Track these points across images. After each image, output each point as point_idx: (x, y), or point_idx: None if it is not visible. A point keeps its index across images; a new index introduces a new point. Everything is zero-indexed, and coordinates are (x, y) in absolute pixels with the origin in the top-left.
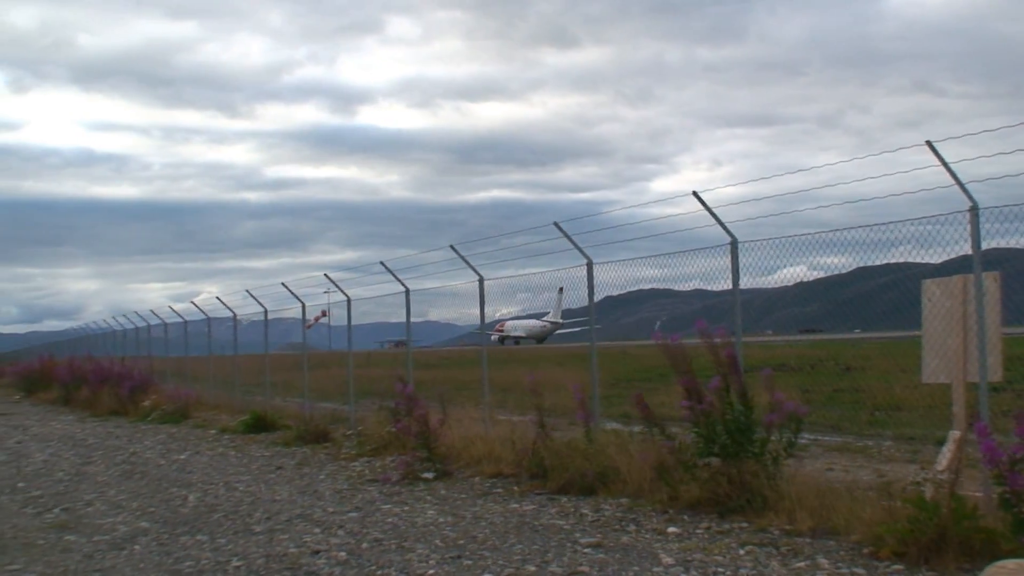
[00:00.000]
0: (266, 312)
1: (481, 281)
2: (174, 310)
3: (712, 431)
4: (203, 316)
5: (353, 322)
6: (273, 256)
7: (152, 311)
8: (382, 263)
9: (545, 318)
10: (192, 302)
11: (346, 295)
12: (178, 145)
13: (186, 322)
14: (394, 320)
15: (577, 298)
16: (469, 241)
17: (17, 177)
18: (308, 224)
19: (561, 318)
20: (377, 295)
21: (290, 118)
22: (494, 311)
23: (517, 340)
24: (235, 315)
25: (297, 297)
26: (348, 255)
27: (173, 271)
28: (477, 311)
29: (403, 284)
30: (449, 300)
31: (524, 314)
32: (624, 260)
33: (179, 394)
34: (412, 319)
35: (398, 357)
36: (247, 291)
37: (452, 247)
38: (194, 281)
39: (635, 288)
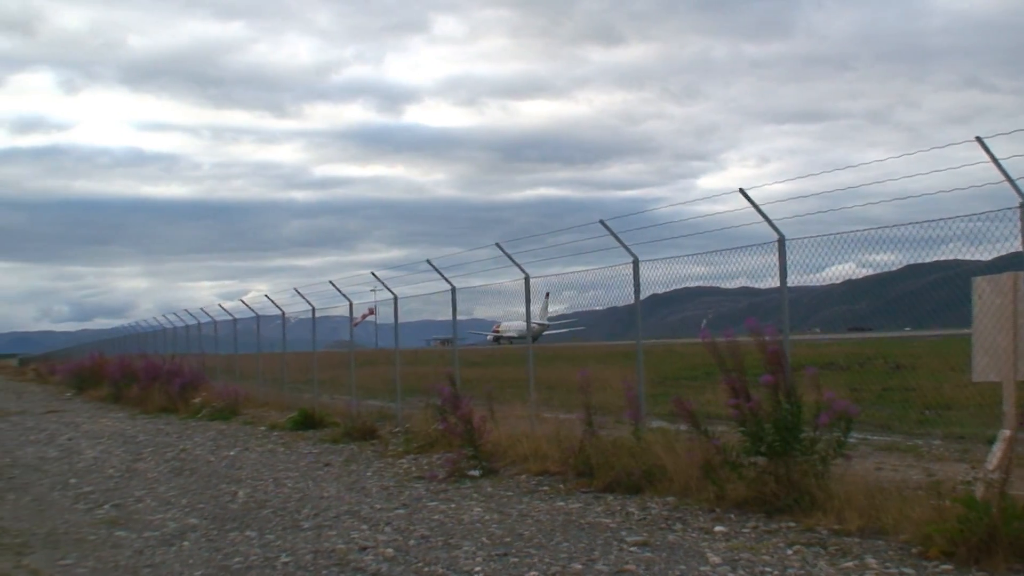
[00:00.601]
0: (314, 310)
1: (527, 279)
2: (223, 308)
3: (760, 429)
4: (252, 314)
5: (400, 320)
6: (321, 254)
7: (202, 309)
8: (428, 261)
9: (535, 320)
10: (241, 300)
11: (393, 293)
12: (227, 145)
13: (235, 320)
14: (441, 318)
15: (622, 296)
16: (515, 239)
17: (68, 177)
18: (355, 223)
19: (548, 320)
20: (423, 293)
21: (337, 117)
22: (540, 309)
23: (511, 340)
24: (283, 313)
25: (344, 295)
26: (395, 253)
27: (222, 269)
28: (523, 309)
29: (449, 282)
30: (495, 298)
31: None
32: (670, 258)
33: (228, 391)
34: (458, 317)
35: (445, 355)
36: (295, 289)
37: (498, 245)
38: (243, 279)
39: (681, 286)
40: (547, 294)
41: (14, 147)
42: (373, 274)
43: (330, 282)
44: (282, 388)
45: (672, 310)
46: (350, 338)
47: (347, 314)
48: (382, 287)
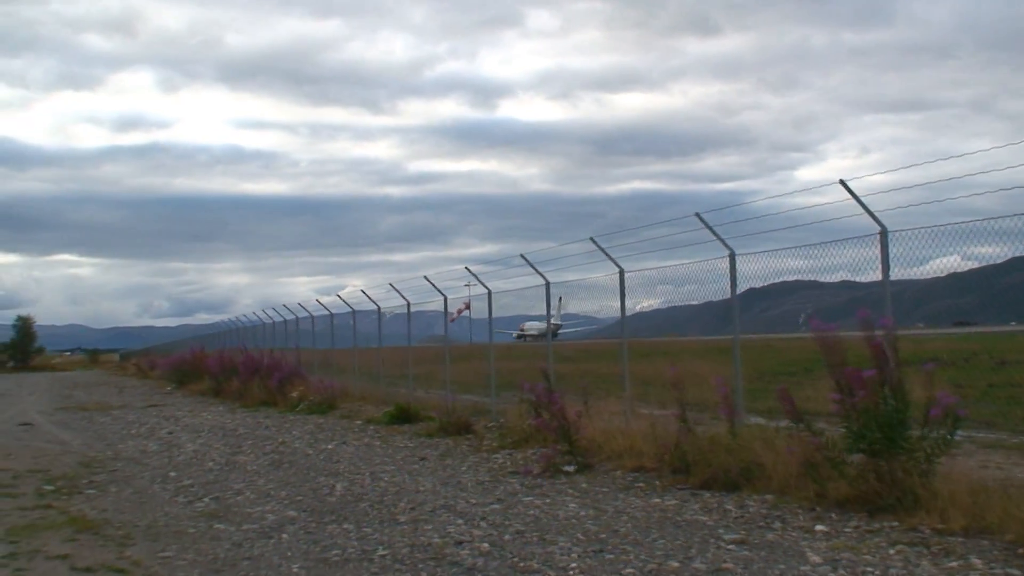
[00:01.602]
0: (408, 305)
1: (621, 273)
2: (320, 303)
3: (863, 426)
4: (348, 309)
5: (494, 314)
6: (415, 250)
7: (300, 304)
8: (522, 256)
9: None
10: (338, 295)
11: (487, 288)
12: (324, 142)
13: (332, 315)
14: (535, 313)
15: (718, 290)
16: (609, 233)
17: (169, 174)
18: (449, 218)
19: (561, 321)
20: (517, 288)
21: (431, 113)
22: (635, 304)
23: (532, 338)
24: (379, 308)
25: (439, 290)
26: (488, 248)
27: (319, 265)
28: (617, 303)
29: (543, 277)
30: (589, 292)
31: (654, 308)
32: (767, 251)
33: (325, 385)
34: (552, 312)
35: (538, 350)
36: (390, 284)
37: (592, 239)
38: (339, 275)
39: (778, 280)
40: (560, 298)
41: (115, 145)
42: (467, 269)
43: (424, 277)
44: (378, 383)
45: (770, 304)
46: (444, 333)
47: (441, 309)
48: (476, 282)
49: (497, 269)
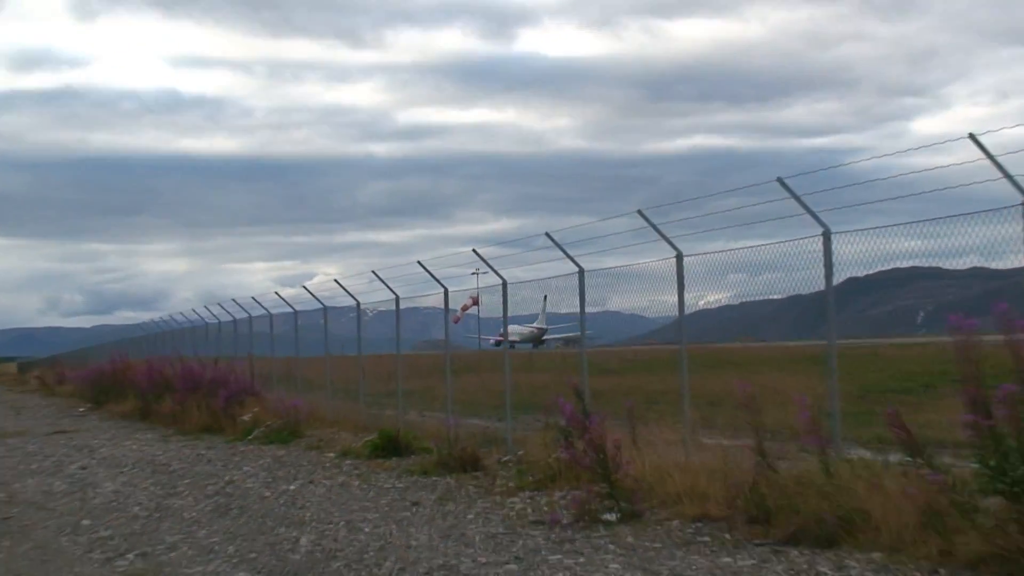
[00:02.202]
0: (398, 300)
1: (679, 258)
2: (281, 297)
3: (1003, 459)
4: (318, 305)
5: (511, 312)
6: (407, 227)
7: (254, 299)
8: (548, 235)
9: (534, 324)
10: (304, 287)
11: (501, 277)
12: (287, 84)
13: (297, 313)
14: (564, 310)
15: (808, 280)
16: (663, 205)
17: (84, 128)
18: (452, 184)
19: (546, 324)
20: (541, 277)
21: (429, 47)
22: (697, 298)
23: (513, 344)
24: (359, 304)
25: (438, 280)
26: (504, 225)
27: (280, 247)
28: (674, 298)
29: (575, 263)
30: (636, 283)
31: (723, 303)
32: (873, 228)
33: (288, 405)
34: (588, 309)
35: (568, 359)
36: (374, 273)
37: (640, 213)
38: (307, 259)
39: (888, 266)
40: (544, 297)
41: (13, 89)
42: (475, 252)
43: (419, 263)
44: (358, 402)
45: (876, 299)
46: (445, 336)
47: (441, 305)
48: (487, 269)
49: (515, 252)
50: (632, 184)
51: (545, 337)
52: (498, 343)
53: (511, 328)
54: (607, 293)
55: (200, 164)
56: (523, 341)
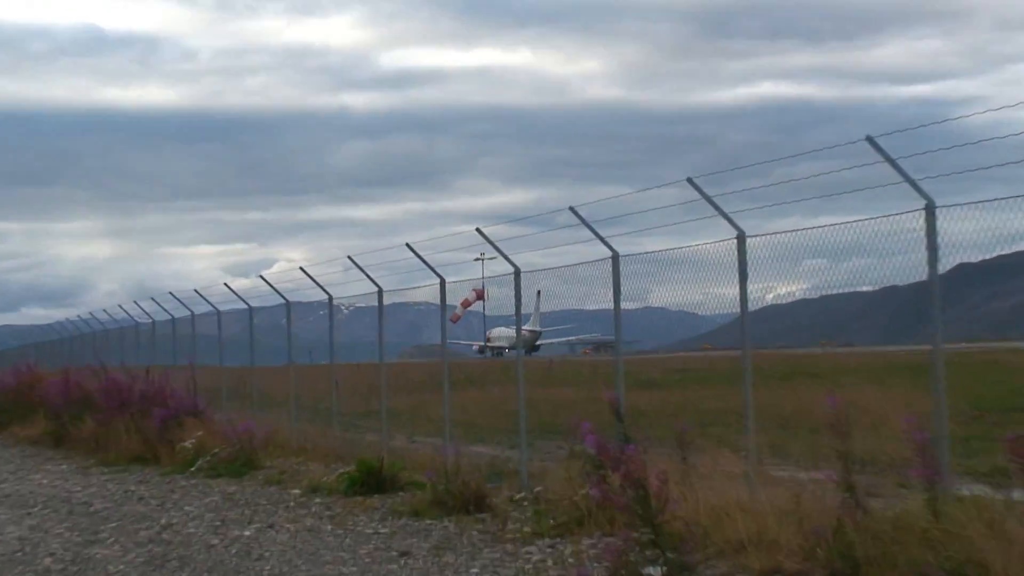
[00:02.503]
0: (381, 294)
1: (741, 239)
2: (232, 290)
3: None
4: (280, 300)
5: (526, 310)
6: (393, 200)
7: (198, 292)
8: (572, 210)
9: (525, 326)
10: (262, 277)
11: (513, 264)
12: (239, 19)
13: (252, 310)
14: (591, 307)
15: (905, 268)
16: (721, 172)
17: None
18: (450, 146)
19: (540, 326)
20: (564, 264)
21: None
22: (764, 291)
23: (500, 351)
24: (331, 298)
25: (432, 269)
26: (516, 197)
27: (231, 227)
28: (734, 290)
29: (608, 246)
30: (687, 272)
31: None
32: (990, 201)
33: (241, 429)
34: (624, 305)
35: (599, 368)
36: (351, 259)
37: (691, 182)
38: (264, 242)
39: (1009, 249)
40: (539, 292)
41: None
42: (480, 232)
43: (408, 246)
44: (330, 424)
45: (995, 291)
46: (442, 340)
47: (437, 300)
48: (494, 254)
49: (531, 232)
50: (681, 145)
51: (540, 342)
52: (481, 350)
53: (497, 332)
54: (649, 284)
55: (129, 120)
56: (513, 347)
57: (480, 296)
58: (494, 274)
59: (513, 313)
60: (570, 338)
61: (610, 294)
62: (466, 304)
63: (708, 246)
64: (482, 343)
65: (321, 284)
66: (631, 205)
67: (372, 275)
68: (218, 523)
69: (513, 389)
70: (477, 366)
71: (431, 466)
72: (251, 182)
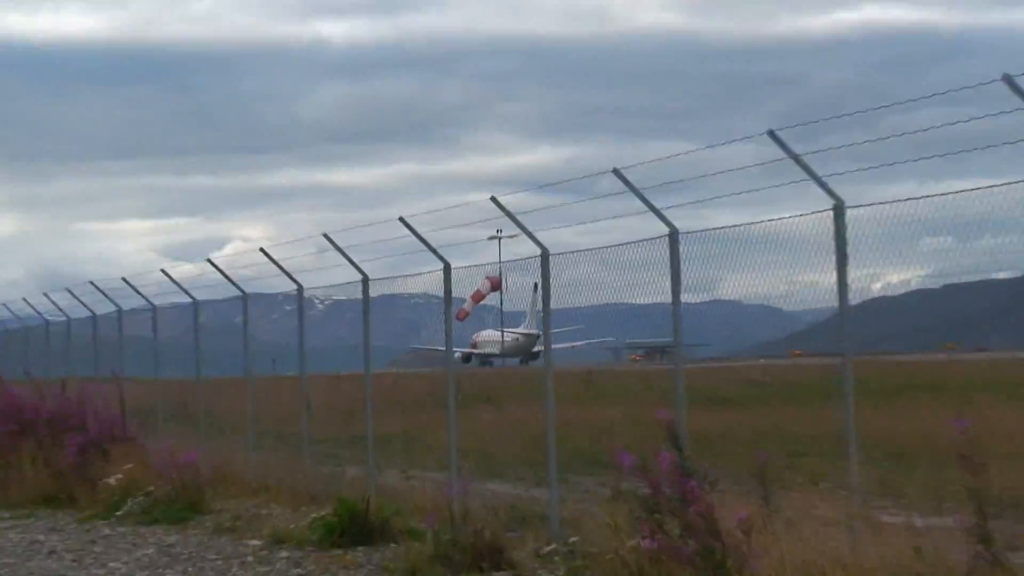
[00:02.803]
0: (366, 283)
1: (839, 211)
2: (172, 279)
3: None
4: (234, 291)
5: (555, 304)
6: (381, 160)
7: (127, 281)
8: (617, 173)
9: (519, 328)
10: (210, 261)
11: (540, 244)
12: None
13: (197, 304)
14: (641, 301)
15: None
16: (811, 123)
17: None
18: (456, 89)
19: (537, 328)
20: (606, 244)
21: None
22: (870, 278)
23: (488, 360)
24: (302, 289)
25: (434, 251)
26: (543, 157)
27: (170, 195)
28: (830, 278)
29: (665, 220)
30: (768, 253)
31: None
32: None
33: (183, 461)
34: (685, 297)
35: (653, 380)
36: (327, 238)
37: (773, 136)
38: (213, 215)
39: None
40: (536, 285)
41: None
42: (495, 202)
43: (402, 221)
44: (300, 453)
45: None
46: (447, 343)
47: (439, 291)
48: (516, 229)
49: (563, 203)
50: (760, 88)
51: (538, 348)
52: (466, 358)
53: (485, 335)
54: (718, 270)
55: (36, 57)
56: (504, 354)
57: (496, 286)
58: (515, 257)
59: (572, 305)
60: (576, 343)
61: (666, 283)
62: (478, 297)
63: (796, 220)
64: (467, 349)
65: (288, 271)
66: (694, 167)
67: (355, 259)
68: None
69: (539, 408)
70: (492, 377)
71: (432, 510)
72: (196, 137)
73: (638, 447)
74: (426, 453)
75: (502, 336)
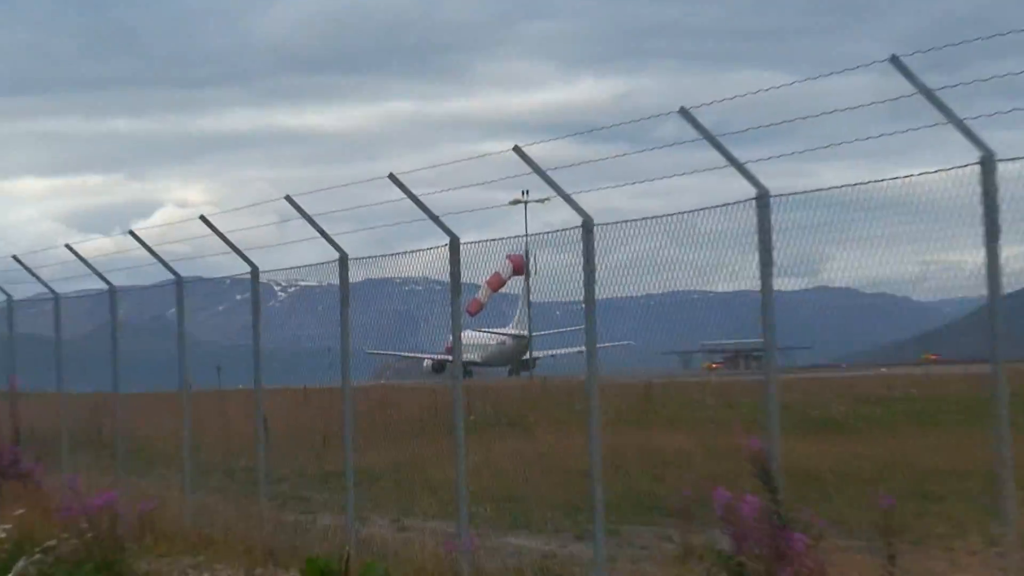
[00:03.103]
0: (344, 263)
1: (987, 165)
2: (81, 258)
3: None
4: (167, 275)
5: (606, 293)
6: (363, 96)
7: (17, 259)
8: (685, 113)
9: (506, 329)
10: (133, 234)
11: (581, 212)
12: None
13: (114, 292)
14: (719, 288)
15: None
16: (947, 46)
17: None
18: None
19: (527, 329)
20: (669, 211)
21: None
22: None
23: (470, 369)
24: (257, 272)
25: (436, 220)
26: (584, 92)
27: (76, 145)
28: (975, 257)
29: (751, 179)
30: (891, 224)
31: None
32: None
33: (97, 503)
34: (780, 284)
35: (734, 395)
36: (290, 202)
37: (896, 63)
38: (136, 172)
39: None
40: (526, 275)
41: None
42: (519, 154)
43: (391, 178)
44: (255, 494)
45: None
46: (454, 343)
47: (443, 274)
48: (545, 189)
49: (612, 156)
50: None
51: (533, 354)
52: (438, 367)
53: (473, 336)
54: (824, 245)
55: None
56: (489, 363)
57: (519, 268)
58: (546, 228)
59: (624, 295)
60: (578, 348)
61: (753, 264)
62: (496, 283)
63: (929, 179)
64: (438, 355)
65: (239, 248)
66: (789, 106)
67: (329, 231)
68: None
69: (580, 433)
70: (513, 391)
71: (435, 571)
72: (114, 66)
73: (714, 487)
74: (426, 495)
75: (514, 334)
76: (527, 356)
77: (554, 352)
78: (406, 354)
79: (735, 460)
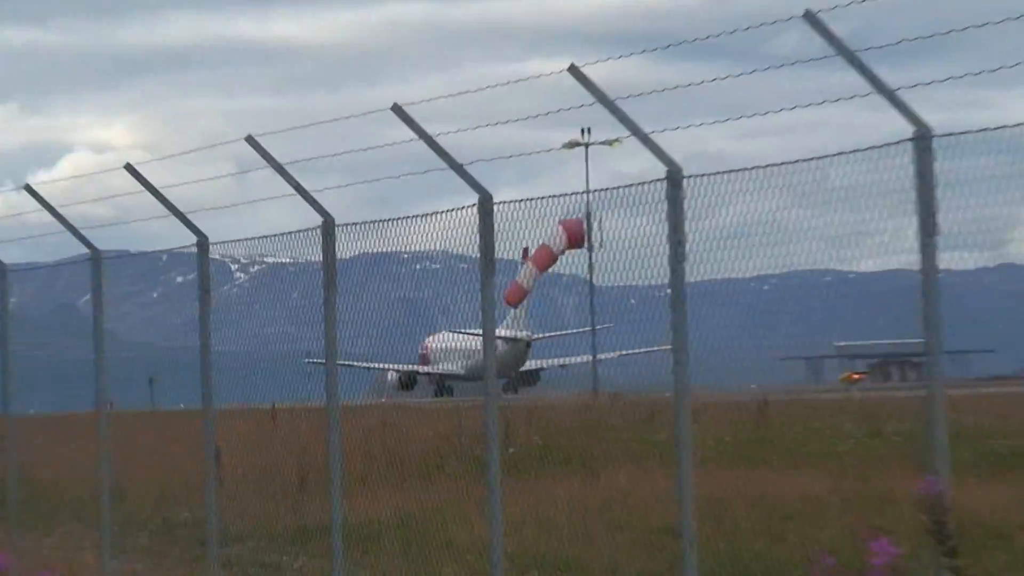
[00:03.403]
0: (330, 228)
1: None
2: None
3: None
4: (82, 249)
5: (697, 275)
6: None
7: None
8: (809, 16)
9: (498, 329)
10: (30, 189)
11: (665, 160)
12: None
13: (3, 271)
14: (858, 268)
15: None
16: None
17: None
18: None
19: (528, 329)
20: (785, 158)
21: None
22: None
23: (446, 383)
24: (204, 241)
25: (459, 169)
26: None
27: None
28: None
29: (908, 113)
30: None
31: None
32: None
33: None
34: (946, 260)
35: (885, 418)
36: (250, 142)
37: None
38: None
39: None
40: (524, 250)
41: None
42: (574, 74)
43: (395, 110)
44: (203, 559)
45: None
46: (486, 355)
47: (470, 248)
48: (613, 127)
49: (705, 80)
50: None
51: (535, 366)
52: (406, 381)
53: (439, 342)
54: (1007, 206)
55: None
56: (470, 376)
57: (575, 238)
58: (615, 182)
59: (726, 276)
60: (620, 352)
61: (909, 231)
62: (544, 259)
63: None
64: (407, 366)
65: (180, 209)
66: (957, 12)
67: (308, 187)
68: None
69: (664, 473)
70: (569, 413)
71: None
72: None
73: (856, 547)
74: (446, 560)
75: (511, 336)
76: (529, 365)
77: (563, 362)
78: (359, 364)
79: (892, 505)
